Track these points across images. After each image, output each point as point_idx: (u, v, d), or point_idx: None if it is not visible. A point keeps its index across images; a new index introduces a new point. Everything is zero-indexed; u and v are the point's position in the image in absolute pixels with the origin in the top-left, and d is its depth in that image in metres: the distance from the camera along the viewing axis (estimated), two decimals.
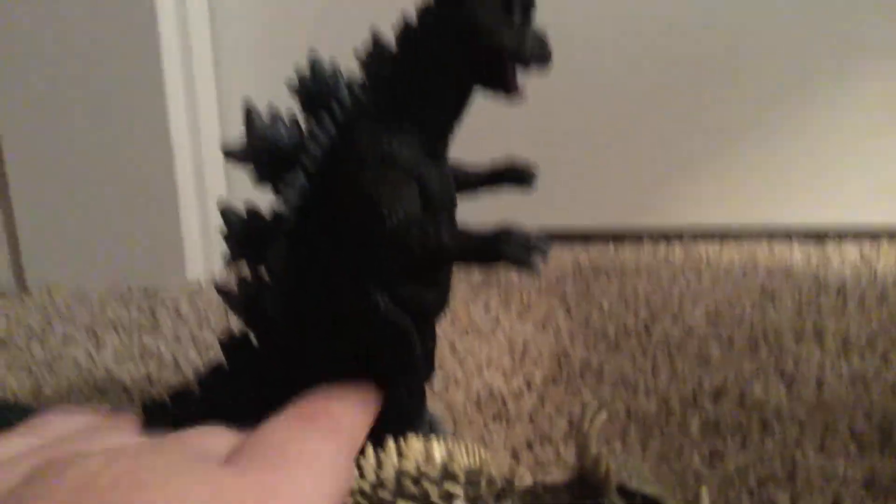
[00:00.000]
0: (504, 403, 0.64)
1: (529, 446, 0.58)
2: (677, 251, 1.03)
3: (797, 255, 1.01)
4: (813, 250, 1.02)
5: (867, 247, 1.03)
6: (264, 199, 0.49)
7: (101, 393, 0.67)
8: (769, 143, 1.04)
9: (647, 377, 0.68)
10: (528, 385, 0.68)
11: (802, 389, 0.65)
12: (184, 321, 0.83)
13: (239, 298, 0.49)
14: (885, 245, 1.03)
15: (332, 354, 0.46)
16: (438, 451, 0.33)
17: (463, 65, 0.43)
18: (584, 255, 1.03)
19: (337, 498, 0.27)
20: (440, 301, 0.49)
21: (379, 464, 0.31)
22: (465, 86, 0.44)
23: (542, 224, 1.06)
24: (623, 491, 0.31)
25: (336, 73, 0.46)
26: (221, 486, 0.23)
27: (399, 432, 0.46)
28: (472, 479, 0.31)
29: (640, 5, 0.99)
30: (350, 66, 0.47)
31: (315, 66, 0.46)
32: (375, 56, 0.46)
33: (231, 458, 0.26)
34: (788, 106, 1.03)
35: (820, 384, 0.66)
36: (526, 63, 0.43)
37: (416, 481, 0.30)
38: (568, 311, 0.84)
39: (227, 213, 0.48)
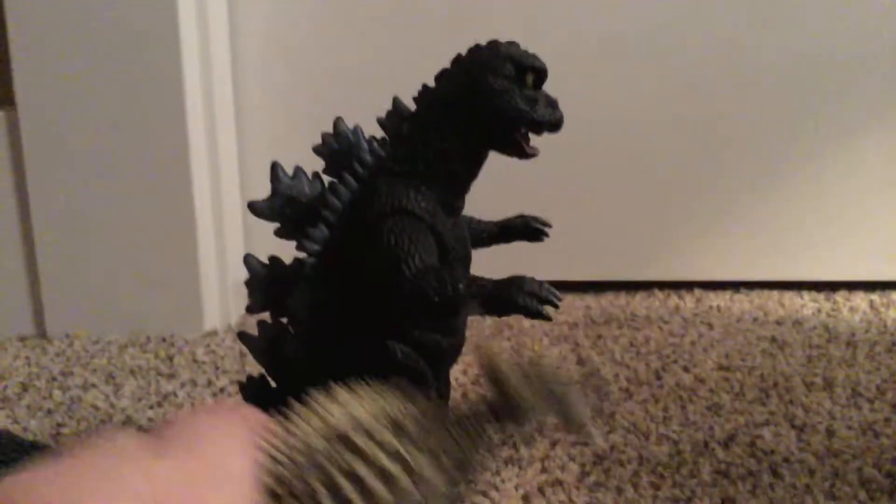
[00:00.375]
0: (516, 448, 0.65)
1: (541, 491, 0.59)
2: (688, 302, 1.04)
3: (807, 305, 1.02)
4: (823, 301, 1.03)
5: (877, 297, 1.04)
6: (282, 252, 0.51)
7: None
8: (778, 198, 1.06)
9: (659, 424, 0.69)
10: (540, 430, 0.68)
11: (812, 437, 0.66)
12: (200, 367, 0.84)
13: (259, 342, 0.51)
14: (895, 295, 1.04)
15: None
16: (360, 400, 0.33)
17: (477, 127, 0.45)
18: (595, 304, 1.04)
19: (251, 473, 0.28)
20: (455, 347, 0.50)
21: (307, 426, 0.32)
22: (480, 146, 0.47)
23: (555, 276, 1.08)
24: (524, 374, 0.33)
25: (358, 132, 0.48)
26: (149, 471, 0.23)
27: None
28: (399, 420, 0.32)
29: (653, 67, 1.02)
30: (371, 131, 0.49)
31: (339, 126, 0.48)
32: (395, 115, 0.48)
33: (151, 448, 0.26)
34: (796, 162, 1.05)
35: (830, 432, 0.67)
36: (538, 129, 0.46)
37: (344, 435, 0.31)
38: (580, 359, 0.85)
39: (250, 262, 0.50)
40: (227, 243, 0.98)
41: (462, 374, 0.81)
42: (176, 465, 0.24)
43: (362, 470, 0.30)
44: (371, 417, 0.32)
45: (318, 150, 0.49)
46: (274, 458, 0.30)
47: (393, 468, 0.30)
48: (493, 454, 0.32)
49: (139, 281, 0.95)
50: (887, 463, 0.61)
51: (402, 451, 0.30)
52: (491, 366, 0.34)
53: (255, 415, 0.32)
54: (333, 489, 0.29)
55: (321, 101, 1.02)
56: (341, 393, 0.33)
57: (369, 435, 0.31)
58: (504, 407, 0.33)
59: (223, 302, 0.98)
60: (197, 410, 0.29)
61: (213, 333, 0.95)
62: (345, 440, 0.31)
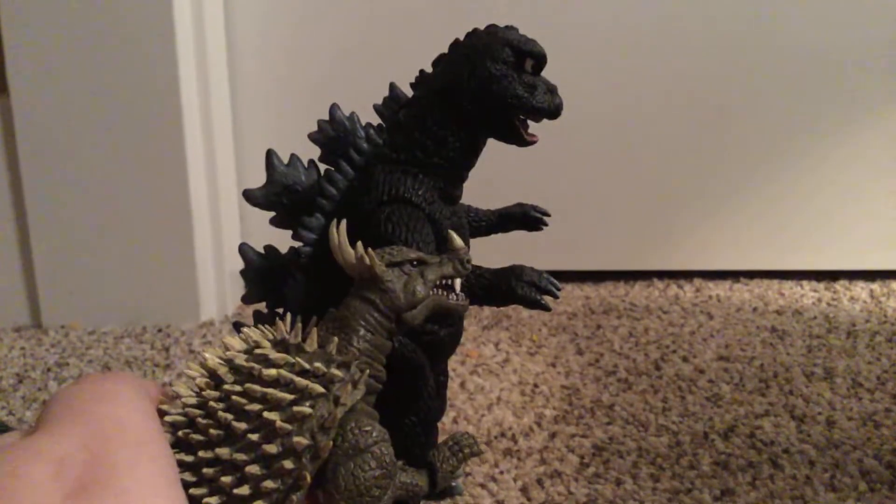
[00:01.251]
0: (514, 440, 0.65)
1: (540, 483, 0.59)
2: (688, 291, 1.04)
3: (807, 295, 1.02)
4: (823, 290, 1.03)
5: (877, 287, 1.03)
6: (278, 241, 0.50)
7: None
8: (778, 188, 1.05)
9: (659, 415, 0.69)
10: (539, 422, 0.68)
11: (812, 428, 0.65)
12: (196, 358, 0.84)
13: None
14: (895, 285, 1.04)
15: None
16: (264, 334, 0.35)
17: (475, 114, 0.45)
18: (595, 294, 1.03)
19: (145, 425, 0.27)
20: (453, 338, 0.50)
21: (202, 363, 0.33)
22: (478, 133, 0.46)
23: (555, 266, 1.07)
24: (393, 265, 0.37)
25: (354, 119, 0.47)
26: (14, 452, 0.23)
27: (411, 466, 0.47)
28: (278, 340, 0.34)
29: (653, 59, 1.01)
30: (368, 118, 0.49)
31: (334, 112, 0.48)
32: (391, 101, 0.47)
33: (24, 432, 0.26)
34: (796, 152, 1.04)
35: (830, 423, 0.66)
36: (537, 115, 0.45)
37: (235, 363, 0.33)
38: (579, 349, 0.84)
39: (245, 251, 0.49)
40: (224, 233, 0.97)
41: (460, 365, 0.80)
42: (51, 438, 0.23)
43: (255, 388, 0.31)
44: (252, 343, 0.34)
45: (313, 138, 0.48)
46: (164, 412, 0.31)
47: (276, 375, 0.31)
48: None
49: (135, 271, 0.94)
50: (888, 454, 0.61)
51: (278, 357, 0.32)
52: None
53: (139, 378, 0.32)
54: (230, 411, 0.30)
55: (317, 89, 1.01)
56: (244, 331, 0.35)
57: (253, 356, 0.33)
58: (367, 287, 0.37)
59: (219, 292, 0.97)
60: (77, 381, 0.28)
61: (210, 324, 0.94)
62: (235, 368, 0.32)
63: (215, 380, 0.32)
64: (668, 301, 1.00)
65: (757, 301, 0.99)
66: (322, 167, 0.48)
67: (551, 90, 0.45)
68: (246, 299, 0.50)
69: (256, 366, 0.32)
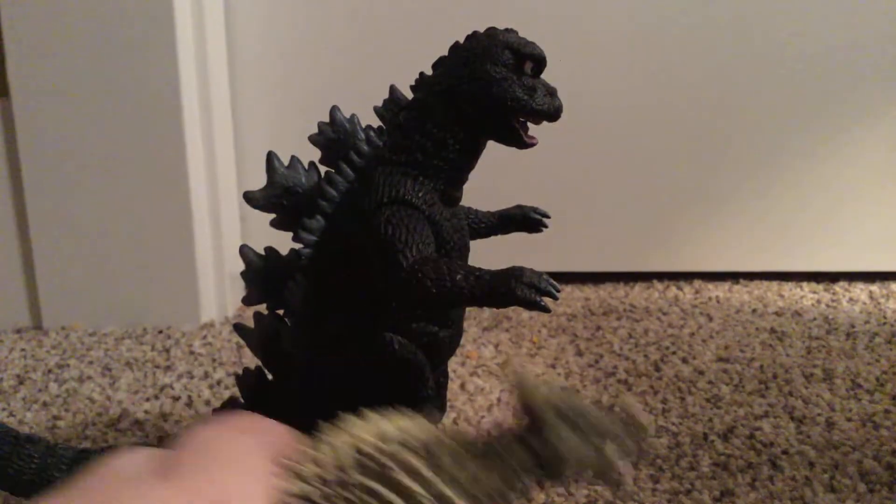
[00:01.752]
0: None
1: (539, 484, 0.58)
2: (687, 293, 1.04)
3: (807, 296, 1.02)
4: (822, 292, 1.03)
5: (876, 288, 1.03)
6: (279, 243, 0.50)
7: (115, 428, 0.68)
8: (777, 189, 1.05)
9: (658, 416, 0.69)
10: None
11: (812, 429, 0.66)
12: (197, 359, 0.84)
13: (255, 333, 0.50)
14: (894, 286, 1.04)
15: (345, 389, 0.47)
16: (391, 425, 0.33)
17: (475, 116, 0.45)
18: (594, 295, 1.03)
19: (268, 495, 0.27)
20: (453, 340, 0.50)
21: (332, 447, 0.31)
22: (478, 135, 0.46)
23: (554, 267, 1.07)
24: (562, 417, 0.32)
25: (354, 121, 0.48)
26: (149, 497, 0.23)
27: None
28: (431, 448, 0.32)
29: (653, 61, 1.01)
30: (368, 120, 0.49)
31: (335, 114, 0.48)
32: (392, 103, 0.48)
33: (158, 470, 0.25)
34: (795, 154, 1.04)
35: (830, 424, 0.67)
36: (537, 118, 0.45)
37: (374, 458, 0.30)
38: (578, 350, 0.84)
39: (246, 253, 0.49)
40: (224, 234, 0.97)
41: (460, 366, 0.80)
42: (182, 489, 0.23)
43: (388, 494, 0.29)
44: (400, 441, 0.31)
45: (314, 140, 0.48)
46: (299, 478, 0.30)
47: (418, 493, 0.29)
48: (525, 491, 0.32)
49: (135, 273, 0.94)
50: (887, 455, 0.61)
51: (428, 476, 0.30)
52: (527, 405, 0.33)
53: (279, 431, 0.31)
54: None
55: (318, 91, 1.01)
56: (371, 415, 0.33)
57: (396, 459, 0.30)
58: (541, 454, 0.33)
59: (220, 294, 0.97)
60: (218, 424, 0.28)
61: (210, 325, 0.94)
62: (372, 462, 0.30)
63: (347, 464, 0.30)
64: (667, 302, 1.00)
65: (756, 302, 0.99)
66: (322, 169, 0.48)
67: (551, 92, 0.45)
68: (246, 301, 0.50)
69: (395, 468, 0.30)
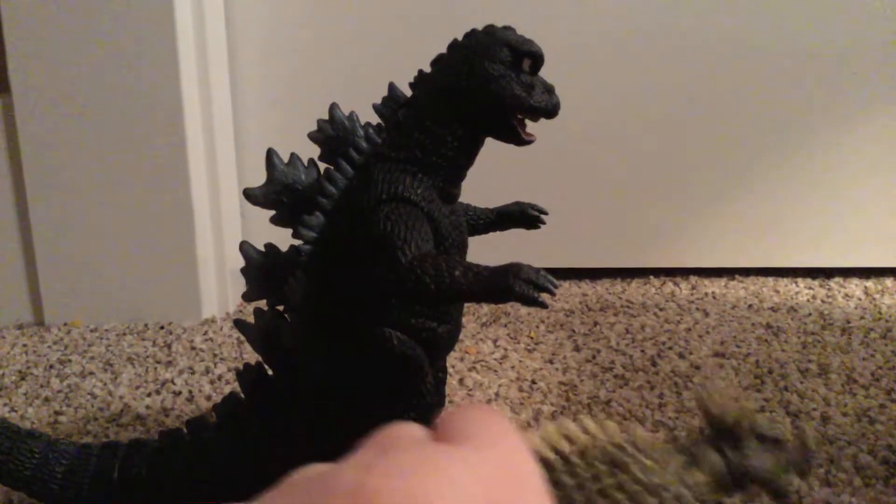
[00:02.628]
0: None
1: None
2: (684, 288, 1.05)
3: (802, 292, 1.02)
4: (818, 287, 1.03)
5: (871, 284, 1.04)
6: (279, 240, 0.51)
7: (116, 423, 0.69)
8: (773, 185, 1.06)
9: (655, 411, 0.69)
10: (536, 418, 0.69)
11: (807, 424, 0.66)
12: (198, 355, 0.84)
13: (256, 329, 0.51)
14: (888, 282, 1.04)
15: (345, 384, 0.48)
16: (611, 428, 0.34)
17: (473, 113, 0.45)
18: (591, 291, 1.04)
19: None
20: (451, 335, 0.50)
21: (569, 439, 0.33)
22: (476, 132, 0.47)
23: (552, 263, 1.08)
24: (754, 433, 0.35)
25: (354, 118, 0.48)
26: (475, 470, 0.22)
27: None
28: (639, 446, 0.34)
29: (648, 58, 1.02)
30: (367, 117, 0.49)
31: (334, 112, 0.48)
32: (390, 101, 0.48)
33: (444, 440, 0.26)
34: (790, 150, 1.05)
35: (825, 419, 0.67)
36: (535, 115, 0.46)
37: (607, 454, 0.32)
38: (576, 346, 0.85)
39: (245, 249, 0.50)
40: (225, 231, 0.97)
41: (459, 361, 0.81)
42: (482, 457, 0.22)
43: (618, 480, 0.31)
44: (610, 440, 0.33)
45: (313, 137, 0.48)
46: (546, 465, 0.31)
47: (644, 482, 0.31)
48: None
49: (137, 269, 0.95)
50: (882, 449, 0.62)
51: (648, 468, 0.32)
52: (719, 417, 0.35)
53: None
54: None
55: (317, 88, 1.02)
56: (577, 420, 0.34)
57: (616, 452, 0.32)
58: (731, 464, 0.35)
59: (221, 290, 0.98)
60: (469, 407, 0.28)
61: (212, 321, 0.95)
62: (607, 457, 0.32)
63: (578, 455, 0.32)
64: (664, 298, 1.01)
65: (752, 298, 1.00)
66: (322, 166, 0.49)
67: (549, 90, 0.45)
68: (246, 297, 0.51)
69: (631, 462, 0.32)
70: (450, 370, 0.78)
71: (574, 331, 0.90)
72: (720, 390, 0.35)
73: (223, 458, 0.52)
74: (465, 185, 0.49)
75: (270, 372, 0.52)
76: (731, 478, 0.34)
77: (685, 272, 1.09)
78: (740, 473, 0.34)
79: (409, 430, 0.24)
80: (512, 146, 0.47)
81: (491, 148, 0.49)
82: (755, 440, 0.34)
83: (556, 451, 0.32)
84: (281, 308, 0.50)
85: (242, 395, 0.52)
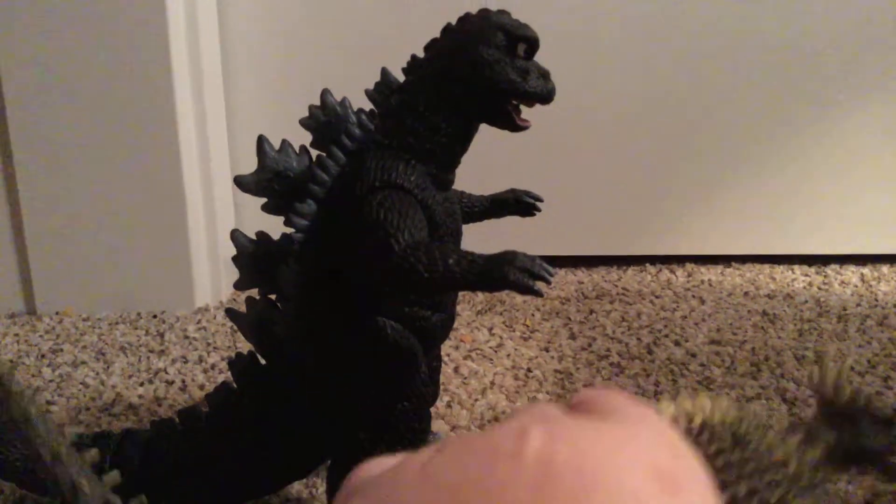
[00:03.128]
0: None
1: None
2: (680, 276, 1.04)
3: (798, 279, 1.02)
4: (814, 274, 1.03)
5: (868, 271, 1.04)
6: (274, 230, 0.50)
7: (108, 413, 0.68)
8: (769, 172, 1.05)
9: (651, 399, 0.69)
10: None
11: (804, 411, 0.66)
12: (191, 344, 0.84)
13: (248, 319, 0.50)
14: (885, 269, 1.04)
15: (339, 374, 0.47)
16: (724, 404, 0.35)
17: (467, 98, 0.45)
18: (587, 279, 1.04)
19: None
20: (445, 324, 0.50)
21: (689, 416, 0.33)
22: (470, 118, 0.46)
23: (548, 251, 1.07)
24: (869, 414, 0.35)
25: (346, 104, 0.47)
26: (622, 431, 0.22)
27: (402, 450, 0.47)
28: (761, 423, 0.34)
29: (643, 47, 1.01)
30: (360, 104, 0.49)
31: (326, 98, 0.48)
32: (383, 86, 0.47)
33: (585, 416, 0.25)
34: (786, 137, 1.04)
35: None
36: (530, 100, 0.45)
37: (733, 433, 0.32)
38: (572, 334, 0.85)
39: (237, 237, 0.49)
40: (218, 219, 0.97)
41: (454, 350, 0.80)
42: (643, 435, 0.22)
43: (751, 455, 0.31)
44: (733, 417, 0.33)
45: (305, 123, 0.48)
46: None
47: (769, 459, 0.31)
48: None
49: (129, 258, 0.94)
50: None
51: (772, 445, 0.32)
52: (836, 397, 0.36)
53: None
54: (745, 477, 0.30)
55: (310, 74, 1.01)
56: (694, 396, 0.34)
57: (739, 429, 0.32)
58: (846, 444, 0.36)
59: (214, 278, 0.97)
60: (601, 389, 0.28)
61: (205, 310, 0.94)
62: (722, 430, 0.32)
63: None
64: (660, 286, 1.00)
65: (748, 285, 1.00)
66: (314, 153, 0.48)
67: (544, 75, 0.45)
68: (238, 285, 0.50)
69: (754, 438, 0.32)
70: (445, 359, 0.78)
71: (570, 319, 0.89)
72: (834, 370, 0.36)
73: (216, 448, 0.51)
74: (459, 171, 0.48)
75: (263, 361, 0.51)
76: (845, 456, 0.35)
77: (681, 259, 1.09)
78: (854, 452, 0.35)
79: (548, 406, 0.24)
80: (507, 132, 0.47)
81: (486, 134, 0.48)
82: (868, 420, 0.35)
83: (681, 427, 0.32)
84: (273, 297, 0.50)
85: (235, 385, 0.52)
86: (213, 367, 0.78)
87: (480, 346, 0.82)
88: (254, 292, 0.50)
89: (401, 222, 0.42)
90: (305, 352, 0.48)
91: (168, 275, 0.94)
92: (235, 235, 0.49)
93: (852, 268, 1.05)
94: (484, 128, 0.47)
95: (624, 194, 1.07)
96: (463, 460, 0.19)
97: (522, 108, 0.46)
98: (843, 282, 1.00)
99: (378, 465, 0.24)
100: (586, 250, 1.09)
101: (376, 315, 0.45)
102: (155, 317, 0.92)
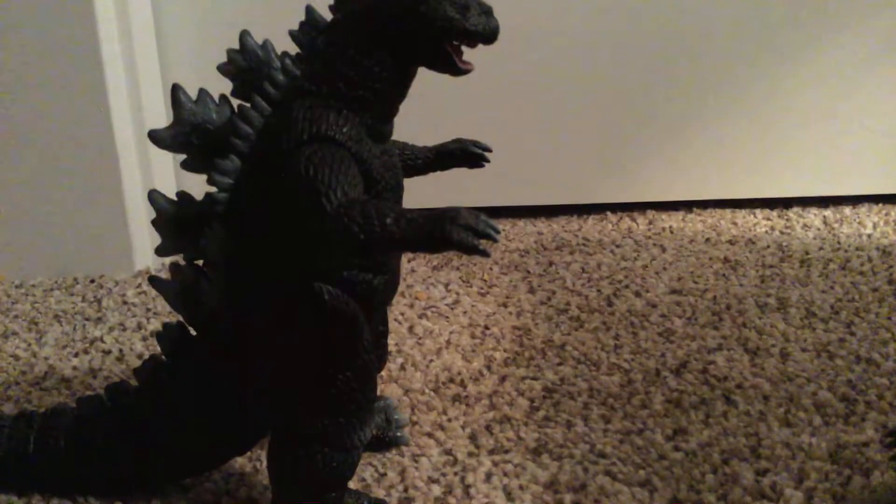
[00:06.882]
0: (463, 385, 0.62)
1: (489, 429, 0.56)
2: (640, 224, 1.02)
3: (760, 223, 1.00)
4: (776, 218, 1.01)
5: (830, 213, 1.02)
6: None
7: (39, 387, 0.64)
8: (729, 116, 1.02)
9: (610, 353, 0.67)
10: (489, 366, 0.66)
11: (766, 361, 0.64)
12: (130, 310, 0.79)
13: (173, 288, 0.46)
14: (847, 211, 1.03)
15: (275, 345, 0.43)
16: None
17: (402, 39, 0.40)
18: (547, 229, 1.01)
19: None
20: (389, 287, 0.46)
21: None
22: (406, 61, 0.42)
23: (505, 201, 1.04)
24: None
25: (268, 48, 0.43)
26: None
27: (347, 422, 0.44)
28: None
29: None
30: (284, 46, 0.44)
31: (245, 41, 0.43)
32: (309, 27, 0.43)
33: None
34: (746, 81, 1.01)
35: (784, 355, 0.65)
36: (471, 39, 0.41)
37: None
38: (531, 287, 0.82)
39: (155, 198, 0.44)
40: (156, 177, 0.91)
41: (408, 308, 0.77)
42: None
43: None
44: None
45: (223, 70, 0.43)
46: None
47: None
48: None
49: (63, 220, 0.88)
50: (842, 385, 0.60)
51: None
52: None
53: None
54: None
55: (241, 17, 0.94)
56: None
57: None
58: None
59: (154, 240, 0.92)
60: None
61: (145, 273, 0.89)
62: None
63: None
64: (620, 234, 0.98)
65: (710, 231, 0.98)
66: (235, 103, 0.43)
67: (486, 11, 0.40)
68: (160, 251, 0.46)
69: None
70: (399, 318, 0.75)
71: (529, 272, 0.86)
72: None
73: (147, 426, 0.48)
74: (397, 121, 0.44)
75: (193, 332, 0.47)
76: None
77: (642, 206, 1.06)
78: None
79: None
80: (448, 76, 0.42)
81: (425, 78, 0.44)
82: None
83: None
84: (200, 263, 0.46)
85: (164, 358, 0.48)
86: (152, 334, 0.73)
87: (436, 304, 0.78)
88: (179, 258, 0.46)
89: (332, 179, 0.39)
90: (237, 322, 0.44)
91: (105, 237, 0.89)
92: (153, 196, 0.44)
93: (815, 210, 1.03)
94: (423, 71, 0.43)
95: (583, 142, 1.03)
96: None
97: (465, 49, 0.42)
98: (805, 225, 0.99)
99: None
100: (546, 200, 1.06)
101: (312, 280, 0.42)
102: (92, 282, 0.87)
